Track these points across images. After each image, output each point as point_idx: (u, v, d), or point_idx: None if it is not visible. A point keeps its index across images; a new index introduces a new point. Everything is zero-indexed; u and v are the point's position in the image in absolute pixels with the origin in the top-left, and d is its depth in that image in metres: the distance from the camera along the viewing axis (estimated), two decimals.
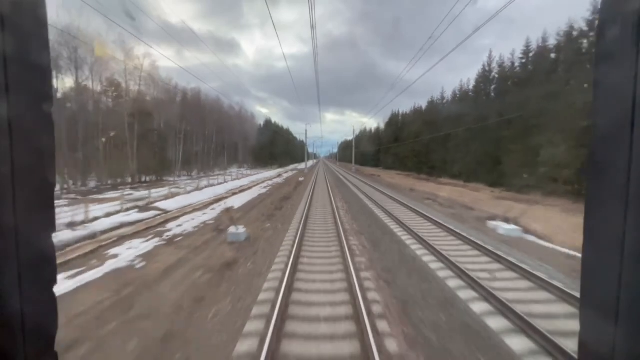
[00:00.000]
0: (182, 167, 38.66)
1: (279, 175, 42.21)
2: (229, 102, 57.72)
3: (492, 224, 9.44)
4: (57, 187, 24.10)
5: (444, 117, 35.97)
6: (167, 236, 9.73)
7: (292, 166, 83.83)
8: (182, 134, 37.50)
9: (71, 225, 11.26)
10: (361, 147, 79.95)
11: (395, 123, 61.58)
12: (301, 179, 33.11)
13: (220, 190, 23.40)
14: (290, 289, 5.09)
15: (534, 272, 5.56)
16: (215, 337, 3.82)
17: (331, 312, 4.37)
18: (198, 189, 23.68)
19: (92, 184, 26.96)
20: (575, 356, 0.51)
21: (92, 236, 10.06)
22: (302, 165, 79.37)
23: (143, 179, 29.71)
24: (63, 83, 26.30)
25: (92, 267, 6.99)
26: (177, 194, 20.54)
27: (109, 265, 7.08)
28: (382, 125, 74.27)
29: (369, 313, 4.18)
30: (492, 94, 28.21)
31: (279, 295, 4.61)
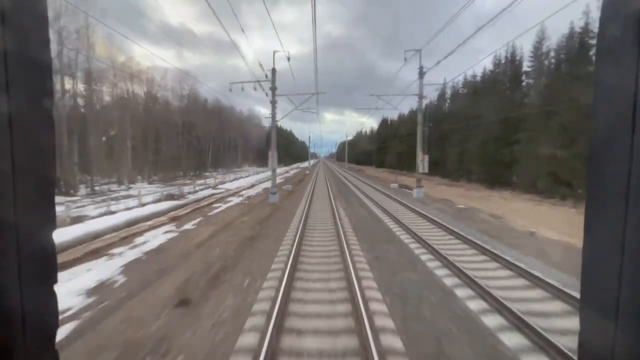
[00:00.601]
0: (211, 165, 49.02)
1: (287, 172, 52.57)
2: (241, 109, 67.64)
3: (392, 184, 19.98)
4: (139, 177, 34.32)
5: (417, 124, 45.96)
6: (245, 196, 20.09)
7: (294, 165, 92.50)
8: (212, 139, 47.85)
9: (190, 192, 21.57)
10: (358, 147, 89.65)
11: (385, 127, 71.54)
12: (307, 172, 43.59)
13: (251, 180, 33.74)
14: (313, 192, 16.16)
15: (384, 191, 16.05)
16: (299, 195, 14.24)
17: (323, 187, 14.82)
18: (236, 179, 34.08)
19: (153, 177, 37.14)
20: (575, 357, 0.54)
21: (207, 197, 20.35)
22: (304, 165, 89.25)
23: (190, 174, 40.04)
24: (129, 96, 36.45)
25: (227, 202, 17.31)
26: (225, 182, 30.90)
27: (234, 202, 17.37)
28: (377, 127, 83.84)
29: (331, 185, 14.63)
30: (446, 109, 38.38)
31: (311, 192, 15.71)
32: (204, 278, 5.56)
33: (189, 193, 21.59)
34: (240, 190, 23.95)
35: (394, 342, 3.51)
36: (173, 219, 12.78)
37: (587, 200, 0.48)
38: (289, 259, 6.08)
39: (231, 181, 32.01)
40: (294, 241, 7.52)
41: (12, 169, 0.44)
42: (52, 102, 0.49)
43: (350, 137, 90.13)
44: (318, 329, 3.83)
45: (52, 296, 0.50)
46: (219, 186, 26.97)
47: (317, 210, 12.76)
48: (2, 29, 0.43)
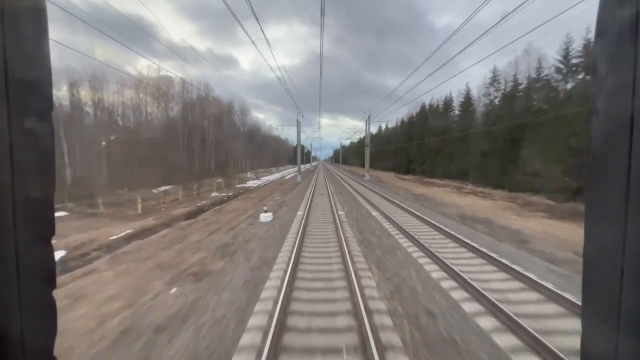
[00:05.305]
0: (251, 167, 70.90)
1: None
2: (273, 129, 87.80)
3: (366, 176, 40.96)
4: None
5: (406, 134, 65.17)
6: (289, 176, 41.43)
7: (294, 168, 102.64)
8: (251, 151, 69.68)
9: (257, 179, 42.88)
10: (360, 151, 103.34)
11: (383, 135, 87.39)
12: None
13: (282, 174, 55.10)
14: (318, 169, 39.55)
15: (362, 183, 37.12)
16: (312, 174, 35.45)
17: (324, 169, 36.04)
18: (275, 172, 55.75)
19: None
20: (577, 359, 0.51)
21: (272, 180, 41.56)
22: (289, 172, 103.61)
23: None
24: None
25: (284, 178, 38.49)
26: (270, 174, 52.31)
27: (279, 179, 38.54)
28: (383, 130, 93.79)
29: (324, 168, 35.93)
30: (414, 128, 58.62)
31: (320, 169, 38.57)
32: None
33: (258, 179, 42.83)
34: (282, 177, 44.98)
35: None
36: None
37: (587, 202, 0.47)
38: None
39: (275, 173, 53.17)
40: None
41: (12, 175, 0.44)
42: (52, 108, 0.49)
43: (351, 140, 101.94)
44: None
45: (51, 302, 0.49)
46: (268, 176, 48.24)
47: None
48: (2, 30, 0.43)
